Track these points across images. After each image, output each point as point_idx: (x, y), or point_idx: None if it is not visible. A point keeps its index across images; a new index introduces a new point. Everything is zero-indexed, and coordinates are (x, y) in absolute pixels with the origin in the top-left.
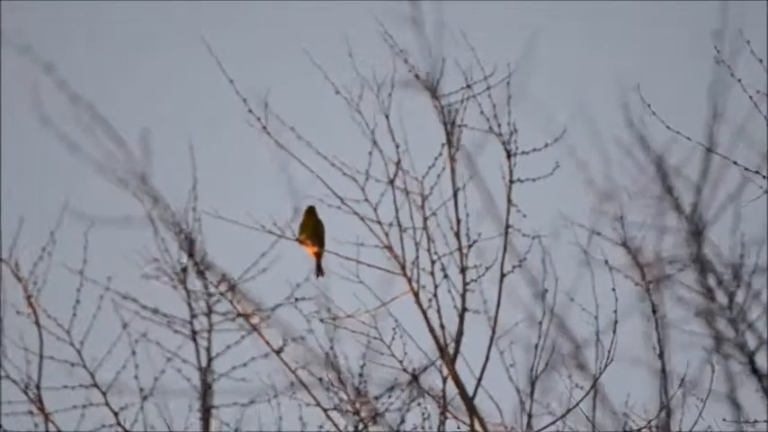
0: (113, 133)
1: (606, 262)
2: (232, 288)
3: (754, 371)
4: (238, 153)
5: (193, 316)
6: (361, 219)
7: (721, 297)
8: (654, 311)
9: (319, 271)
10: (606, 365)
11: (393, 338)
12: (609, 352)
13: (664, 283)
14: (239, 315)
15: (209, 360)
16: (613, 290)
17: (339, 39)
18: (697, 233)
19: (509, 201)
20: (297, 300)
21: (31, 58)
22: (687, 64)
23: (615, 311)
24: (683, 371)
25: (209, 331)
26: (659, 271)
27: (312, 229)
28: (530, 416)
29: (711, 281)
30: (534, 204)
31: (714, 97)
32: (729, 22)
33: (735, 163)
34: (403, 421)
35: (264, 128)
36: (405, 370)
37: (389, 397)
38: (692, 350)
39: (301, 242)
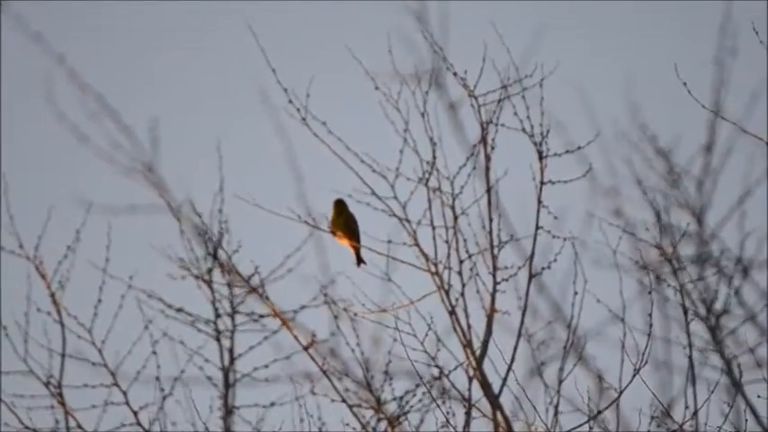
0: (122, 123)
1: (617, 265)
2: (256, 289)
3: (731, 378)
4: (260, 146)
5: (218, 316)
6: (393, 214)
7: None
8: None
9: (360, 261)
10: (633, 377)
11: (425, 336)
12: (637, 366)
13: (666, 279)
14: (266, 315)
15: (232, 360)
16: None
17: (368, 36)
18: (699, 230)
19: (539, 202)
20: (326, 298)
21: (42, 47)
22: (690, 60)
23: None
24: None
25: (233, 332)
26: (662, 268)
27: (344, 224)
28: (556, 413)
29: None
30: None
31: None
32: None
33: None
34: (423, 421)
35: (304, 119)
36: (435, 370)
37: (414, 395)
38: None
39: (335, 235)
